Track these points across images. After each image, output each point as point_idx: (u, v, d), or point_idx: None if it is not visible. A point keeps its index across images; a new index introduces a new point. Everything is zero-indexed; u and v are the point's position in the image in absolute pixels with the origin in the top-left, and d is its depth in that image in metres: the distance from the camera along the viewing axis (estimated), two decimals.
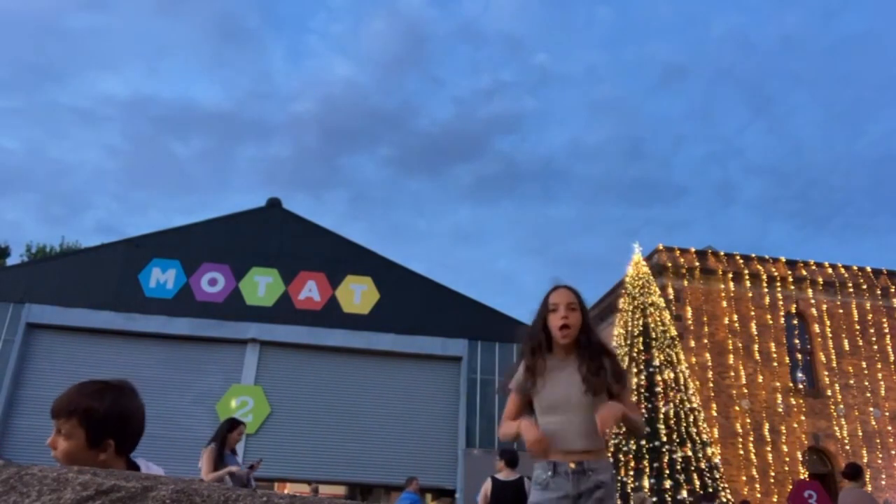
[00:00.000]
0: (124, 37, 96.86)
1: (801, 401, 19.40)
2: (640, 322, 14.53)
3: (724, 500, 12.78)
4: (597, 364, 2.70)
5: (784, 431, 18.88)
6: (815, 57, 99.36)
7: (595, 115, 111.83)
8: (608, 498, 2.64)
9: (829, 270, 21.22)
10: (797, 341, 20.24)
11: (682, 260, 20.24)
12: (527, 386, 2.77)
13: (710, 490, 12.64)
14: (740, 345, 19.56)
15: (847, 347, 20.24)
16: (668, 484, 12.56)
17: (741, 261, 20.78)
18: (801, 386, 19.68)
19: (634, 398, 13.50)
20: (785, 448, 18.67)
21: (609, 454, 2.62)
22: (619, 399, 2.72)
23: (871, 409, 19.73)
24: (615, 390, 2.72)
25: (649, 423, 13.18)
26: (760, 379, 19.32)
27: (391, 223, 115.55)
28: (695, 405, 13.85)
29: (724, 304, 19.97)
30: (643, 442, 13.05)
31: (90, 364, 13.80)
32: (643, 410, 13.34)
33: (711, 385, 18.84)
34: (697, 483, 12.66)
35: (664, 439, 13.01)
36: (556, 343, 2.78)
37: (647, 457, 12.94)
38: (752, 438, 18.51)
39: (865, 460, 18.69)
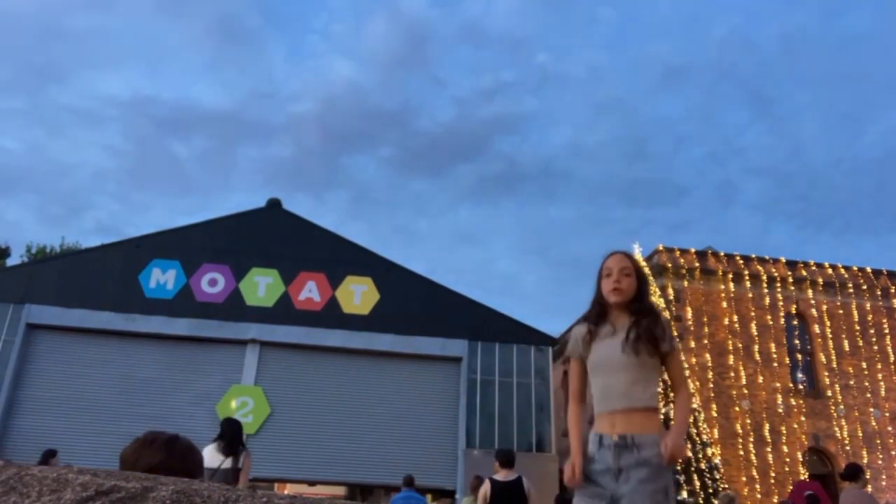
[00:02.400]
0: (125, 37, 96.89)
1: (802, 401, 19.39)
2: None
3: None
4: (644, 325, 2.66)
5: (784, 432, 18.88)
6: (816, 57, 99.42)
7: (596, 116, 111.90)
8: (653, 479, 2.43)
9: (830, 271, 21.22)
10: (797, 342, 20.23)
11: (682, 260, 20.24)
12: (578, 351, 2.79)
13: (711, 491, 12.65)
14: (740, 345, 19.55)
15: (847, 348, 20.23)
16: None
17: (741, 261, 20.78)
18: (801, 386, 19.68)
19: None
20: (785, 448, 18.67)
21: (661, 426, 2.51)
22: (668, 362, 2.69)
23: (872, 409, 19.73)
24: (664, 349, 2.67)
25: None
26: (760, 379, 19.31)
27: (392, 223, 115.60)
28: (695, 406, 13.85)
29: (725, 304, 19.97)
30: None
31: (90, 365, 13.82)
32: None
33: (711, 386, 18.83)
34: (697, 483, 12.66)
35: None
36: (611, 310, 2.76)
37: None
38: (752, 439, 18.50)
39: (865, 461, 18.68)
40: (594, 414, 2.70)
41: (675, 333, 14.73)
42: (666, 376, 2.78)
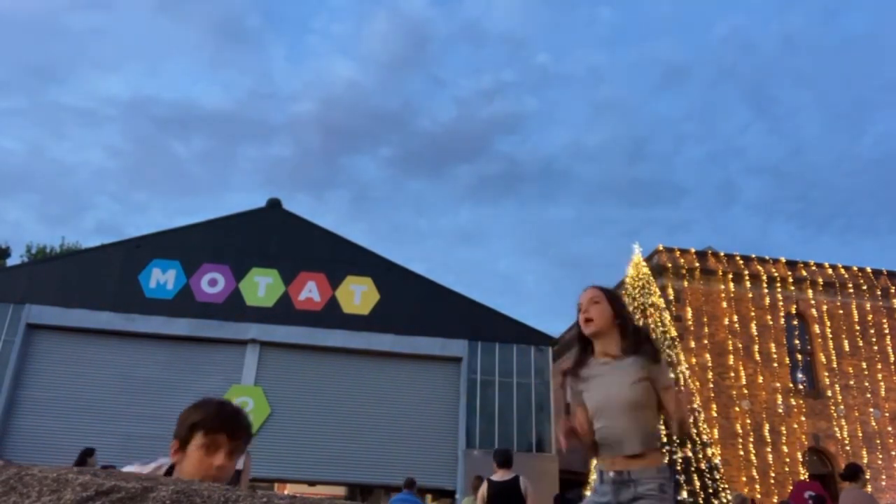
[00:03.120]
0: (125, 37, 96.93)
1: (802, 401, 19.39)
2: (641, 323, 14.52)
3: (725, 500, 12.78)
4: (640, 363, 2.63)
5: (784, 432, 18.88)
6: (816, 57, 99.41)
7: (596, 116, 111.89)
8: None
9: (830, 271, 21.22)
10: (797, 342, 20.23)
11: (682, 260, 20.24)
12: (575, 398, 2.77)
13: (711, 491, 12.64)
14: (740, 345, 19.55)
15: (847, 348, 20.23)
16: None
17: (741, 261, 20.78)
18: (801, 386, 19.68)
19: None
20: (785, 449, 18.67)
21: (661, 460, 2.49)
22: (655, 382, 2.62)
23: (872, 409, 19.73)
24: (660, 386, 2.63)
25: None
26: (760, 379, 19.31)
27: (392, 223, 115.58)
28: (695, 406, 13.84)
29: (725, 304, 19.97)
30: None
31: (90, 365, 13.82)
32: None
33: (711, 386, 18.83)
34: (698, 484, 12.66)
35: (664, 440, 13.02)
36: (596, 342, 2.77)
37: None
38: (752, 439, 18.50)
39: (865, 461, 18.68)
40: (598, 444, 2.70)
41: (676, 334, 14.74)
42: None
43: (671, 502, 2.57)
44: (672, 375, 2.65)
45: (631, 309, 14.91)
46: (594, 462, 2.67)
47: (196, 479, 1.28)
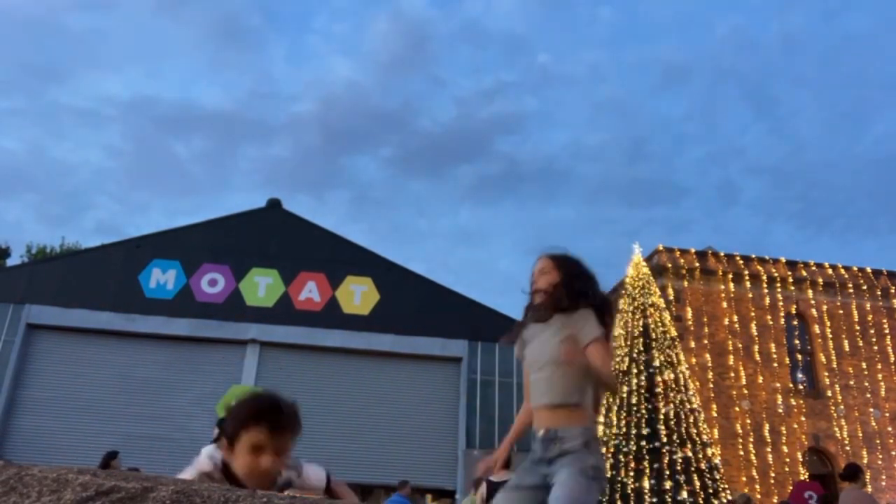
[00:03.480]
0: (125, 37, 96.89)
1: (802, 401, 19.40)
2: (640, 323, 14.51)
3: (725, 500, 12.77)
4: (564, 321, 2.74)
5: (784, 432, 18.88)
6: (817, 57, 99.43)
7: (597, 116, 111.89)
8: (575, 462, 2.56)
9: (830, 271, 21.22)
10: (797, 342, 20.23)
11: (682, 260, 20.25)
12: (519, 353, 2.96)
13: (711, 491, 12.64)
14: (740, 345, 19.55)
15: (847, 348, 20.23)
16: (668, 485, 12.55)
17: (741, 261, 20.79)
18: (801, 387, 19.68)
19: (634, 399, 13.47)
20: (785, 449, 18.67)
21: (587, 421, 2.48)
22: (590, 352, 2.64)
23: (872, 409, 19.73)
24: (584, 339, 2.67)
25: (649, 424, 13.16)
26: (760, 380, 19.31)
27: (392, 223, 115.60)
28: (695, 406, 13.83)
29: (725, 304, 19.97)
30: (643, 443, 13.04)
31: (90, 365, 13.82)
32: (643, 411, 13.31)
33: (711, 386, 18.83)
34: (698, 484, 12.65)
35: (664, 440, 13.00)
36: (543, 310, 2.86)
37: (647, 458, 12.93)
38: (752, 439, 18.51)
39: (865, 461, 18.68)
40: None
41: (676, 334, 14.72)
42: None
43: (599, 458, 2.62)
44: (597, 331, 2.63)
45: (631, 309, 14.91)
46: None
47: (195, 480, 1.29)
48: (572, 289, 2.79)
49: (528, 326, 2.90)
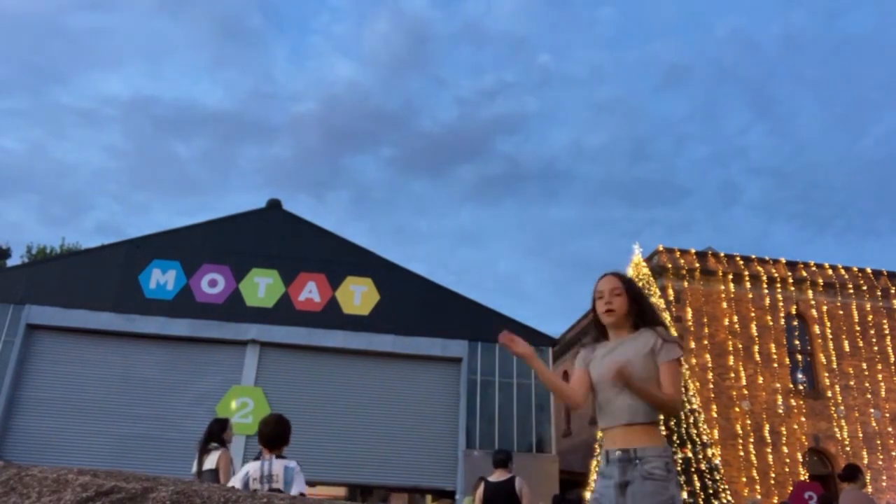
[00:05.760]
0: (126, 37, 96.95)
1: (802, 402, 19.39)
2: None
3: (725, 501, 12.78)
4: (642, 340, 2.71)
5: (784, 433, 18.87)
6: (818, 57, 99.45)
7: (598, 116, 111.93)
8: (659, 492, 2.44)
9: (830, 271, 21.22)
10: (797, 342, 20.23)
11: (682, 261, 20.24)
12: (585, 363, 2.82)
13: (711, 491, 12.64)
14: (740, 346, 19.55)
15: (847, 348, 20.23)
16: None
17: (741, 262, 20.78)
18: (801, 387, 19.67)
19: None
20: (785, 449, 18.66)
21: (664, 440, 2.50)
22: (661, 370, 2.64)
23: (872, 410, 19.72)
24: (659, 360, 2.66)
25: None
26: (761, 380, 19.31)
27: (393, 224, 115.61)
28: (695, 406, 13.84)
29: (725, 305, 19.96)
30: None
31: (90, 365, 13.82)
32: None
33: (712, 386, 18.83)
34: (698, 484, 12.65)
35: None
36: (609, 330, 2.83)
37: None
38: (752, 440, 18.50)
39: (866, 461, 18.68)
40: (600, 432, 2.73)
41: (676, 334, 14.74)
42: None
43: (678, 489, 2.54)
44: (678, 352, 2.68)
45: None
46: (595, 461, 2.69)
47: (195, 480, 1.29)
48: (642, 309, 2.82)
49: (597, 345, 2.84)
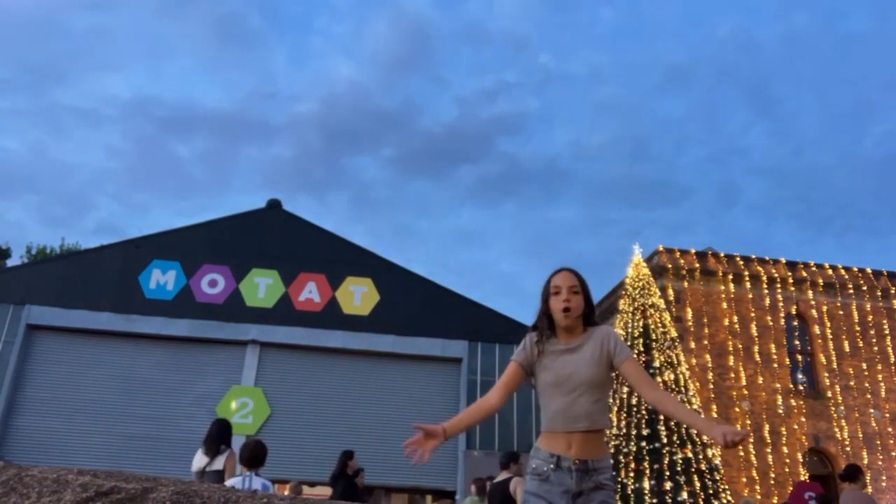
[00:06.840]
0: (127, 37, 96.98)
1: (802, 402, 19.39)
2: (640, 323, 14.51)
3: (725, 501, 12.77)
4: (601, 342, 2.70)
5: (784, 433, 18.88)
6: (818, 57, 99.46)
7: (598, 116, 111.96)
8: (610, 500, 2.58)
9: (830, 272, 21.22)
10: (797, 343, 20.23)
11: (682, 261, 20.24)
12: (524, 356, 2.74)
13: (711, 492, 12.63)
14: (740, 346, 19.55)
15: (847, 349, 20.23)
16: (668, 486, 12.55)
17: (741, 262, 20.78)
18: (801, 387, 19.68)
19: (634, 400, 13.49)
20: (785, 449, 18.66)
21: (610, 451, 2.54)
22: (627, 370, 2.64)
23: (872, 410, 19.72)
24: (618, 360, 2.65)
25: (649, 425, 13.17)
26: (761, 380, 19.31)
27: (393, 224, 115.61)
28: (695, 407, 13.83)
29: (725, 305, 19.97)
30: (643, 443, 13.04)
31: (90, 365, 13.81)
32: (643, 412, 13.32)
33: (712, 386, 18.83)
34: (698, 485, 12.65)
35: (664, 441, 13.01)
36: (559, 326, 2.75)
37: (647, 458, 12.94)
38: (752, 440, 18.50)
39: (866, 462, 18.68)
40: (544, 430, 2.68)
41: (676, 334, 14.74)
42: (630, 383, 2.71)
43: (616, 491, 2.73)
44: (629, 350, 2.67)
45: (631, 310, 14.93)
46: (537, 445, 2.65)
47: (195, 481, 1.29)
48: (592, 310, 2.81)
49: (548, 343, 2.73)
